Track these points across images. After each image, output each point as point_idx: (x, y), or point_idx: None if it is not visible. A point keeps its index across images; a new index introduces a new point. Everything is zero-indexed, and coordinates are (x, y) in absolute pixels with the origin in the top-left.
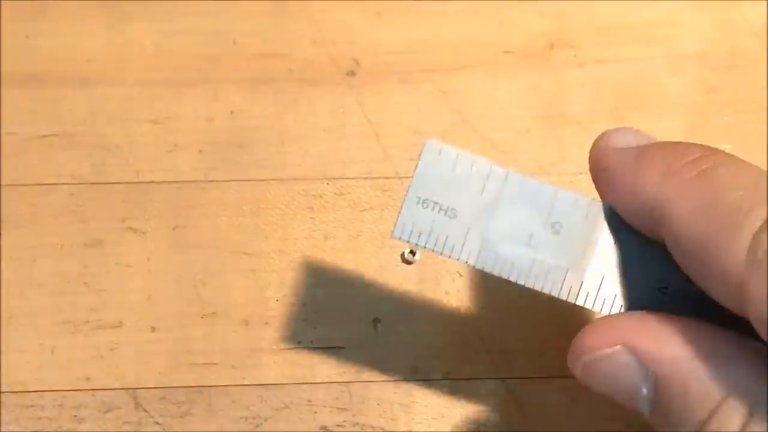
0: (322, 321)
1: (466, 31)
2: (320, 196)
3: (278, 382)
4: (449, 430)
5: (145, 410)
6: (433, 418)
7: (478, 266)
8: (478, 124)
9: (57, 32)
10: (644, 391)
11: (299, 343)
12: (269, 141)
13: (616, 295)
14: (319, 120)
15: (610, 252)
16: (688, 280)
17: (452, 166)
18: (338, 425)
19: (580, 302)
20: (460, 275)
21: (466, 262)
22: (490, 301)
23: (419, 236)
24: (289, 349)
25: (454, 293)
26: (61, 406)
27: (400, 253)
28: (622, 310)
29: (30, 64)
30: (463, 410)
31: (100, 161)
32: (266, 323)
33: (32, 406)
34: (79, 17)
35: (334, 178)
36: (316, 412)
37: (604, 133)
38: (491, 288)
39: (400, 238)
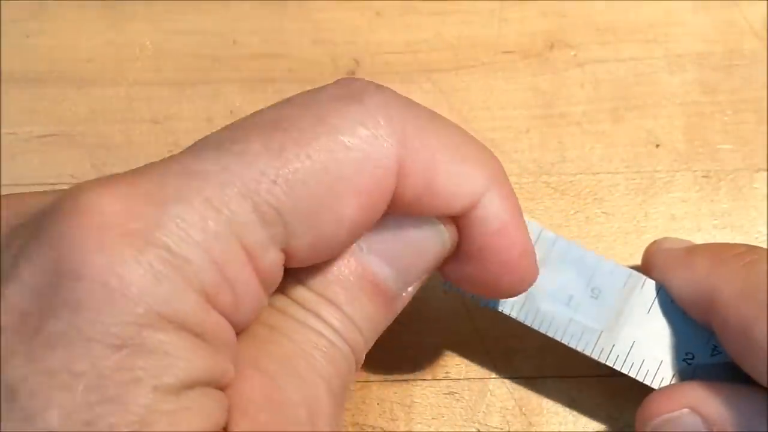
0: None
1: (466, 31)
2: None
3: None
4: (449, 430)
5: None
6: (433, 418)
7: (519, 319)
8: (478, 124)
9: (57, 32)
10: None
11: None
12: None
13: (644, 360)
14: None
15: (643, 321)
16: (712, 354)
17: None
18: None
19: (610, 363)
20: None
21: (509, 314)
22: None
23: None
24: None
25: (454, 293)
26: None
27: None
28: (649, 373)
29: (30, 64)
30: (463, 410)
31: (100, 161)
32: None
33: None
34: (79, 17)
35: None
36: None
37: (654, 241)
38: None
39: (449, 285)
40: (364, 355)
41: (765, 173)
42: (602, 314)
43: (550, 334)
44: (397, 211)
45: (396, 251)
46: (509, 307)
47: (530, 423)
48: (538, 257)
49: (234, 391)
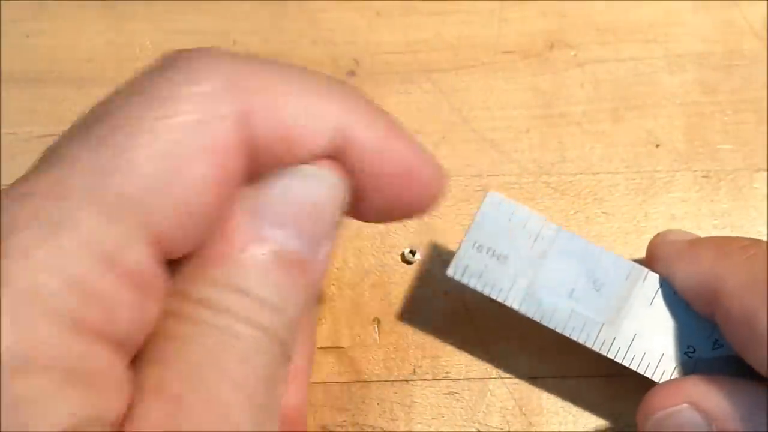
0: (322, 321)
1: (466, 31)
2: None
3: None
4: (449, 430)
5: None
6: (433, 418)
7: (522, 311)
8: (478, 124)
9: (57, 32)
10: None
11: None
12: None
13: (645, 353)
14: None
15: (645, 314)
16: (713, 348)
17: (509, 217)
18: (338, 425)
19: (611, 355)
20: None
21: (511, 306)
22: (490, 301)
23: (471, 277)
24: None
25: (454, 293)
26: None
27: (400, 252)
28: (650, 366)
29: (30, 64)
30: (463, 410)
31: None
32: None
33: None
34: (79, 17)
35: None
36: (316, 412)
37: (658, 233)
38: None
39: (453, 276)
40: (298, 331)
41: (765, 173)
42: (604, 306)
43: (551, 327)
44: (265, 166)
45: (291, 213)
46: (511, 299)
47: (530, 423)
48: (540, 249)
49: (138, 423)
